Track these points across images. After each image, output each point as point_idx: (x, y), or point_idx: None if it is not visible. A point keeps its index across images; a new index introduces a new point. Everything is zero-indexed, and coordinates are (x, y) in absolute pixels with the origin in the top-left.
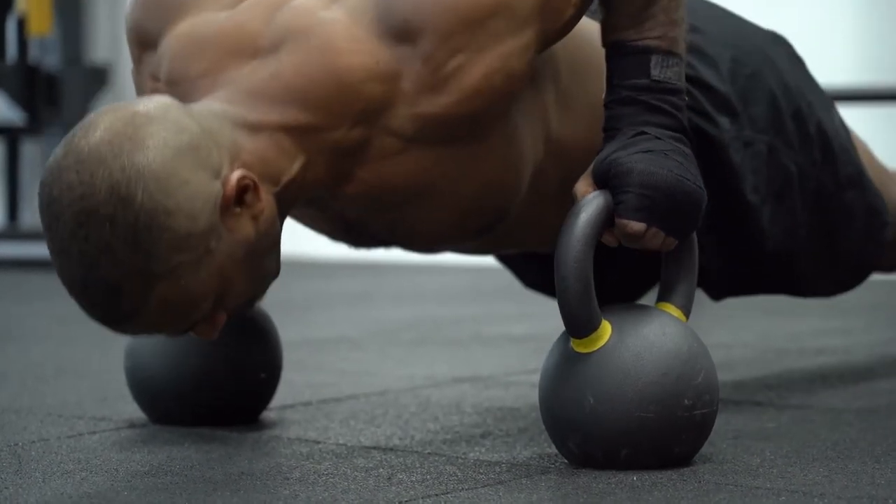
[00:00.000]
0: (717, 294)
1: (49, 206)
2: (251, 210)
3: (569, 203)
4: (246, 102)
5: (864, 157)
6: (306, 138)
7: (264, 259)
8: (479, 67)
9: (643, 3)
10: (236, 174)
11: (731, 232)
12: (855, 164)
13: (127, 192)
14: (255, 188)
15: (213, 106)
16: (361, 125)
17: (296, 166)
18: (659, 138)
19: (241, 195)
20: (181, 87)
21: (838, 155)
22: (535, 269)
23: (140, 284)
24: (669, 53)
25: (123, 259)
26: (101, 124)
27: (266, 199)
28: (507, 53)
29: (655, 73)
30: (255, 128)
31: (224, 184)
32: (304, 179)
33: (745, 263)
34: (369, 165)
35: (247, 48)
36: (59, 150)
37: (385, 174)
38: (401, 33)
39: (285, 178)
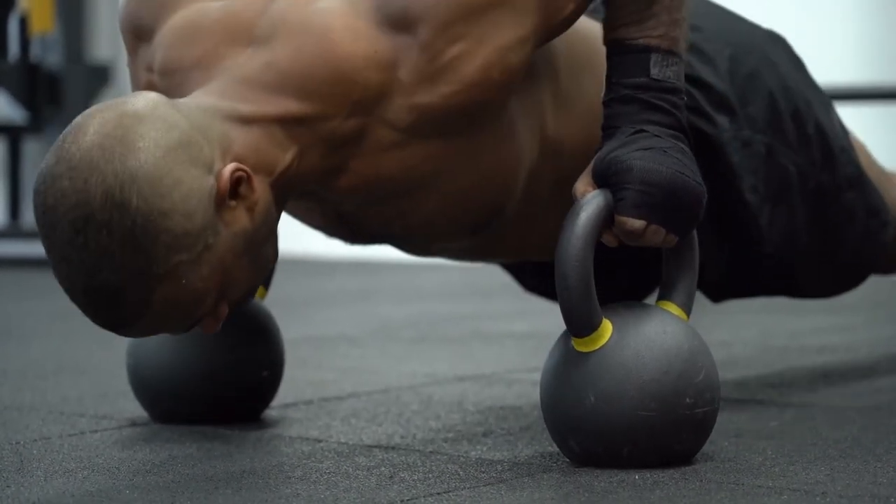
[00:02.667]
0: (716, 296)
1: (45, 215)
2: (246, 202)
3: (561, 207)
4: (239, 93)
5: (862, 157)
6: (300, 128)
7: (262, 247)
8: (478, 59)
9: (647, 2)
10: (229, 167)
11: (729, 232)
12: (854, 164)
13: (121, 197)
14: (249, 179)
15: (202, 100)
16: (357, 115)
17: (289, 156)
18: (658, 136)
19: (236, 188)
20: (175, 78)
21: (837, 155)
22: (534, 273)
23: (141, 287)
24: (670, 53)
25: (123, 263)
26: (90, 128)
27: (260, 189)
28: (506, 46)
29: (655, 71)
30: (247, 120)
31: (217, 178)
32: (299, 169)
33: (743, 264)
34: (364, 157)
35: (241, 37)
36: (50, 157)
37: (380, 166)
38: (399, 22)
39: (279, 168)
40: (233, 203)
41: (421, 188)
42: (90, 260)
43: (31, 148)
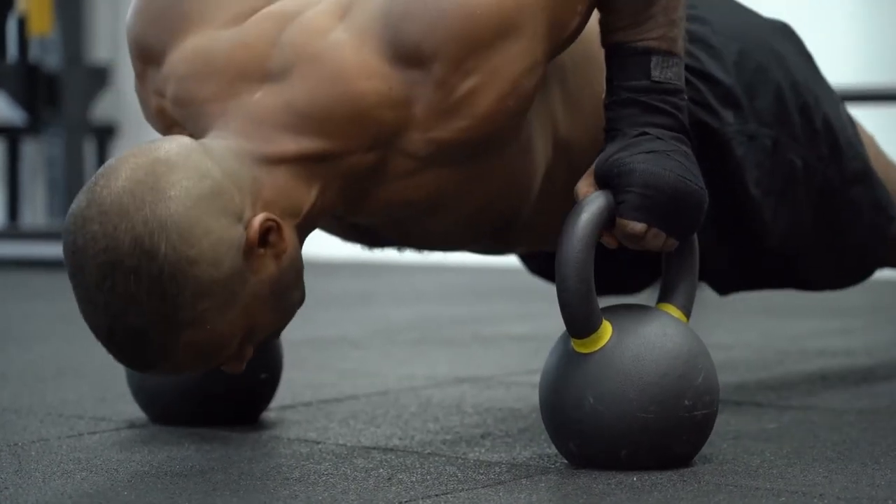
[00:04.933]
0: (722, 289)
1: (74, 255)
2: (274, 249)
3: (573, 198)
4: (261, 134)
5: (870, 150)
6: (323, 165)
7: (290, 292)
8: (493, 91)
9: (644, 4)
10: (259, 218)
11: (734, 226)
12: (861, 159)
13: (150, 245)
14: (279, 228)
15: (230, 143)
16: (376, 149)
17: (314, 193)
18: (661, 139)
19: (265, 237)
20: (189, 110)
21: (844, 150)
22: (540, 256)
23: (166, 332)
24: (669, 54)
25: (149, 309)
26: (122, 173)
27: (288, 236)
28: (519, 74)
29: (656, 73)
30: (272, 161)
31: (247, 228)
32: (323, 204)
33: (748, 258)
34: (386, 185)
35: (255, 71)
36: (81, 198)
37: (401, 192)
38: (412, 58)
39: (305, 208)
40: (261, 251)
41: (440, 207)
42: (116, 304)
43: (30, 149)
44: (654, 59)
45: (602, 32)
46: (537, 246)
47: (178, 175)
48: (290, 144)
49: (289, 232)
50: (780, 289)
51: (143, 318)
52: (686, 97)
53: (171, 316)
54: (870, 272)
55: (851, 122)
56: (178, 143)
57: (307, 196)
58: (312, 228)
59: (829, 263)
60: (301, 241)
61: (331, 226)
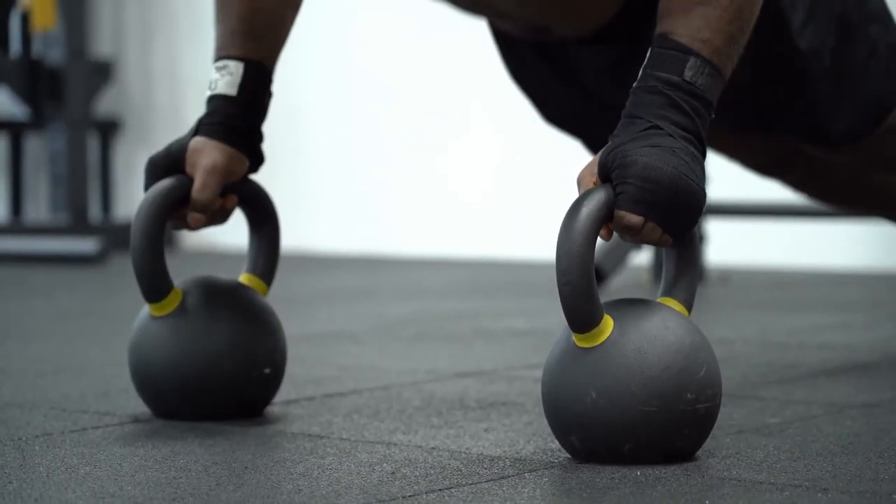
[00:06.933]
0: (740, 120)
1: None
2: None
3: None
4: None
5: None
6: None
7: None
8: None
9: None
10: None
11: (760, 40)
12: (882, 4)
13: None
14: None
15: None
16: None
17: None
18: (671, 136)
19: None
20: None
21: None
22: (557, 102)
23: None
24: (709, 62)
25: None
26: None
27: None
28: None
29: (689, 74)
30: None
31: None
32: None
33: (769, 73)
34: None
35: None
36: None
37: None
38: None
39: None
40: None
41: None
42: None
43: (33, 144)
44: (691, 60)
45: (658, 17)
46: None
47: None
48: None
49: None
50: (794, 133)
51: None
52: (713, 113)
53: None
54: (880, 119)
55: None
56: None
57: None
58: None
59: (842, 96)
60: None
61: None
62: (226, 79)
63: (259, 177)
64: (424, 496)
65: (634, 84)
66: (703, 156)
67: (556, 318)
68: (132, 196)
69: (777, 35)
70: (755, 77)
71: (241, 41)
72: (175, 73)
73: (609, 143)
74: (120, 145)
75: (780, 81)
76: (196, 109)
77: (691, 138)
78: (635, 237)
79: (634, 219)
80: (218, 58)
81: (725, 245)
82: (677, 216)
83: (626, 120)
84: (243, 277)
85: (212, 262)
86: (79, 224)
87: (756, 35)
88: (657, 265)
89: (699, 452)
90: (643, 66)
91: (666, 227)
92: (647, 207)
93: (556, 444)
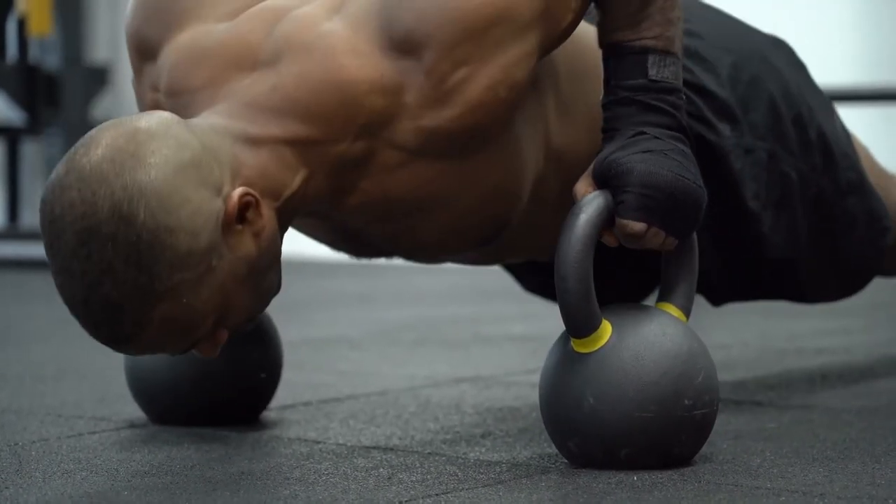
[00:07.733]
0: (716, 299)
1: (51, 224)
2: (252, 227)
3: (567, 210)
4: (247, 115)
5: (864, 161)
6: (308, 151)
7: (266, 275)
8: (483, 79)
9: (640, 4)
10: (238, 191)
11: (731, 238)
12: (856, 169)
13: (129, 211)
14: (257, 205)
15: (213, 121)
16: (364, 138)
17: (297, 180)
18: (658, 138)
19: (243, 212)
20: (181, 99)
21: (839, 160)
22: (535, 274)
23: (141, 303)
24: (666, 53)
25: (125, 279)
26: (102, 141)
27: (267, 216)
28: (510, 63)
29: (653, 72)
30: (256, 142)
31: (226, 201)
32: (306, 192)
33: (745, 270)
34: (372, 178)
35: (247, 60)
36: (60, 167)
37: (388, 186)
38: (404, 45)
39: (287, 192)
40: (239, 227)
41: (428, 205)
42: (92, 272)
43: (30, 150)
44: (651, 58)
45: (599, 34)
46: (525, 256)
47: (158, 143)
48: (275, 128)
49: (268, 211)
50: (775, 300)
51: (118, 289)
52: (684, 96)
53: (146, 286)
54: (865, 283)
55: (846, 133)
56: (158, 116)
57: (289, 181)
58: (293, 216)
59: (826, 274)
60: (282, 228)
61: (317, 229)
62: None
63: None
64: (421, 501)
65: (603, 99)
66: (691, 147)
67: (554, 324)
68: None
69: (754, 241)
70: (733, 281)
71: None
72: None
73: (599, 154)
74: None
75: (758, 283)
76: None
77: (678, 136)
78: (639, 244)
79: (637, 226)
80: None
81: None
82: (679, 218)
83: (607, 134)
84: None
85: None
86: None
87: (728, 243)
88: None
89: (696, 458)
90: (604, 80)
91: (669, 230)
92: (649, 213)
93: (553, 450)
